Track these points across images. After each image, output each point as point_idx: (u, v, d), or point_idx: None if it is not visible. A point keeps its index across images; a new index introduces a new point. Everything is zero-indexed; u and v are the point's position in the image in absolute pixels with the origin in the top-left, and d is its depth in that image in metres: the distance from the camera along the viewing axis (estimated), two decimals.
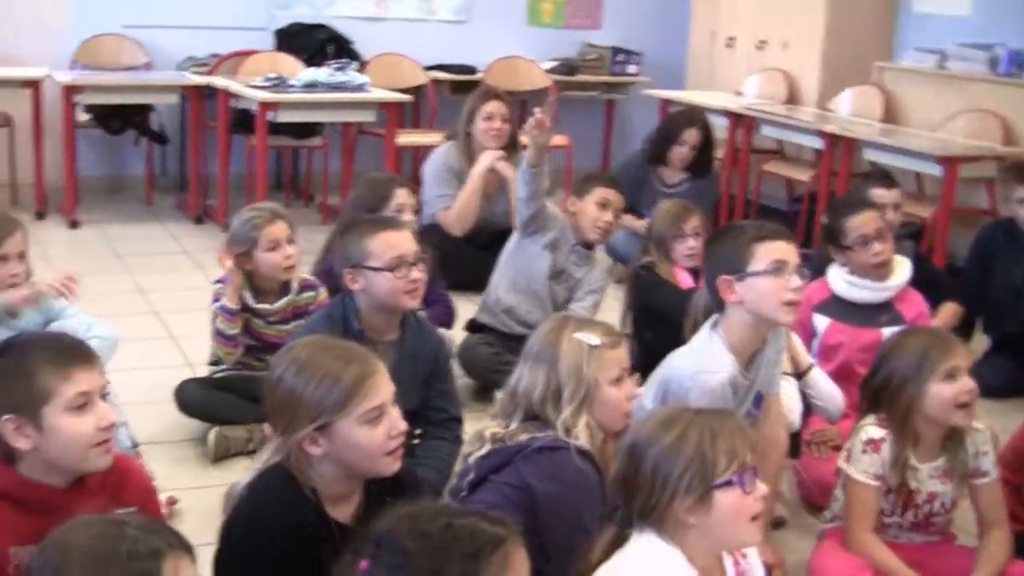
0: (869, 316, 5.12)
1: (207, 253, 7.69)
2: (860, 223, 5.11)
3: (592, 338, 3.45)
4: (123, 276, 7.55)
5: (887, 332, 4.94)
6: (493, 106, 7.38)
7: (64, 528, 2.14)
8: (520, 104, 9.63)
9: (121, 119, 9.44)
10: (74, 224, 8.80)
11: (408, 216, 5.55)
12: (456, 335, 5.89)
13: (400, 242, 4.27)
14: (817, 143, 8.61)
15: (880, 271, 5.13)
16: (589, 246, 5.87)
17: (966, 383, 3.80)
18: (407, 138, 9.46)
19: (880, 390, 3.92)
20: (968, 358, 3.89)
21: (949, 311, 6.22)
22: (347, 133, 9.43)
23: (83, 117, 9.23)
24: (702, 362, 3.95)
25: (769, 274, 3.86)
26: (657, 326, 5.21)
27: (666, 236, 5.76)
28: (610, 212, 5.77)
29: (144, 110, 9.55)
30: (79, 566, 2.03)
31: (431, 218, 7.25)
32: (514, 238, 5.93)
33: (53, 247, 8.10)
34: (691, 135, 7.95)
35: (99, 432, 2.87)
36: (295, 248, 5.05)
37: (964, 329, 6.41)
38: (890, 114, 9.05)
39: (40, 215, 8.92)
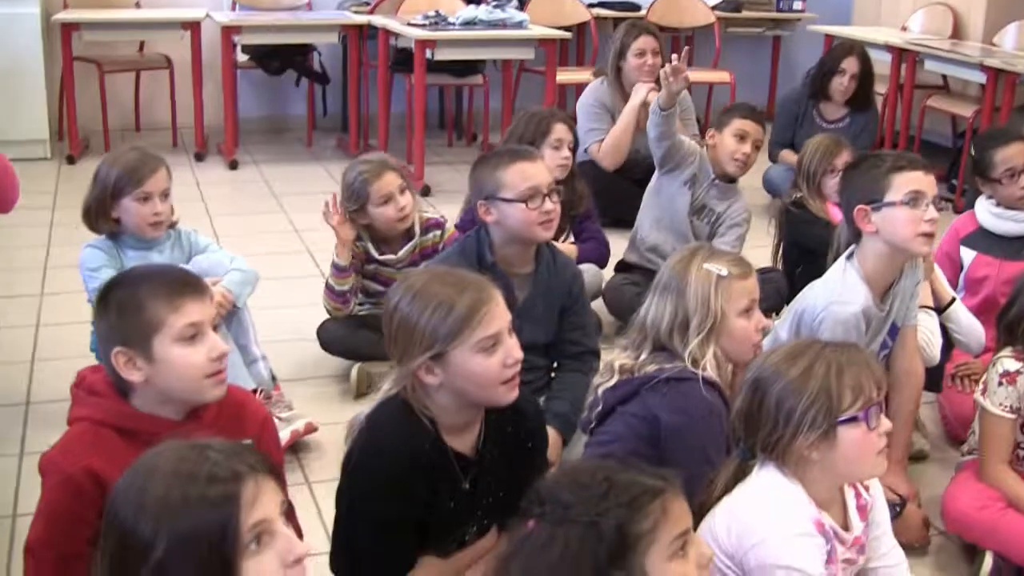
0: (1016, 249, 4.99)
1: None
2: (1008, 156, 5.00)
3: (721, 268, 3.40)
4: (279, 215, 7.67)
5: None
6: (644, 41, 7.27)
7: (151, 452, 2.15)
8: (686, 41, 9.57)
9: (281, 60, 9.55)
10: (233, 165, 8.94)
11: (565, 152, 5.55)
12: (609, 274, 5.90)
13: (534, 173, 4.19)
14: (979, 77, 8.38)
15: None
16: (731, 179, 5.76)
17: None
18: (568, 76, 9.38)
19: (1016, 322, 3.84)
20: None
21: None
22: (507, 71, 9.38)
23: (242, 58, 9.36)
24: (835, 293, 3.91)
25: (905, 204, 3.79)
26: (807, 261, 5.13)
27: (817, 171, 5.68)
28: (748, 144, 5.65)
29: (305, 50, 9.66)
30: (160, 488, 2.04)
31: (584, 153, 7.21)
32: (655, 176, 5.87)
33: (212, 188, 8.27)
34: (850, 63, 7.82)
35: (211, 363, 2.87)
36: (408, 198, 4.97)
37: None
38: None
39: (200, 156, 9.09)
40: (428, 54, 8.23)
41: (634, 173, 7.11)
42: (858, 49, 7.91)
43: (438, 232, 5.15)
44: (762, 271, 5.61)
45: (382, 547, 2.97)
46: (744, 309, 3.43)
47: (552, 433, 3.95)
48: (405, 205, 4.95)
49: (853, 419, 2.75)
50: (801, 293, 4.07)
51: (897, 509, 3.90)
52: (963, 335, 4.44)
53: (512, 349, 2.96)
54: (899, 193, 3.80)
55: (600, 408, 3.49)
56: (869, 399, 2.76)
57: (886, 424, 2.82)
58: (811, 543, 2.76)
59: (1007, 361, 3.83)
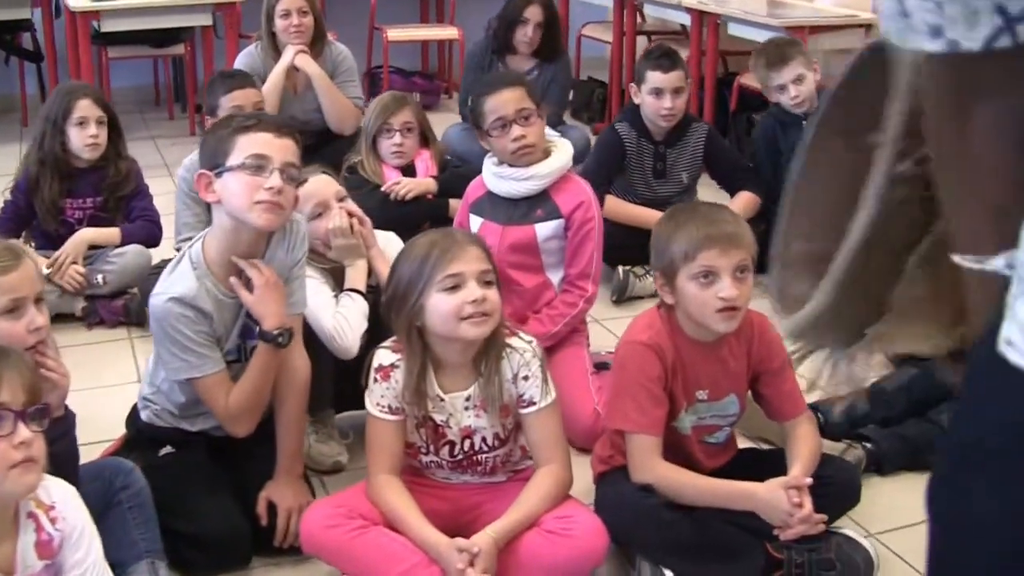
0: (522, 212, 4.43)
1: None
2: (497, 105, 4.40)
3: None
4: None
5: (543, 228, 4.31)
6: (288, 2, 6.74)
7: None
8: None
9: None
10: None
11: (92, 130, 5.25)
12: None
13: None
14: (684, 18, 7.90)
15: (525, 158, 4.40)
16: None
17: (470, 292, 3.16)
18: None
19: (389, 303, 3.32)
20: (482, 263, 3.23)
21: (742, 201, 5.59)
22: (207, 38, 8.76)
23: None
24: (164, 281, 3.47)
25: (245, 169, 3.31)
26: None
27: (373, 129, 5.21)
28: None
29: (15, 27, 9.08)
30: None
31: None
32: None
33: None
34: (533, 12, 7.22)
35: None
36: None
37: (769, 220, 5.71)
38: None
39: None
40: (95, 26, 7.76)
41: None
42: None
43: None
44: None
45: None
46: (4, 309, 3.00)
47: None
48: None
49: None
50: None
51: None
52: None
53: None
54: (241, 156, 3.32)
55: None
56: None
57: (24, 434, 2.48)
58: None
59: (382, 353, 3.35)
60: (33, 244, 5.41)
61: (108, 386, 4.50)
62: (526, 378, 3.29)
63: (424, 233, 3.40)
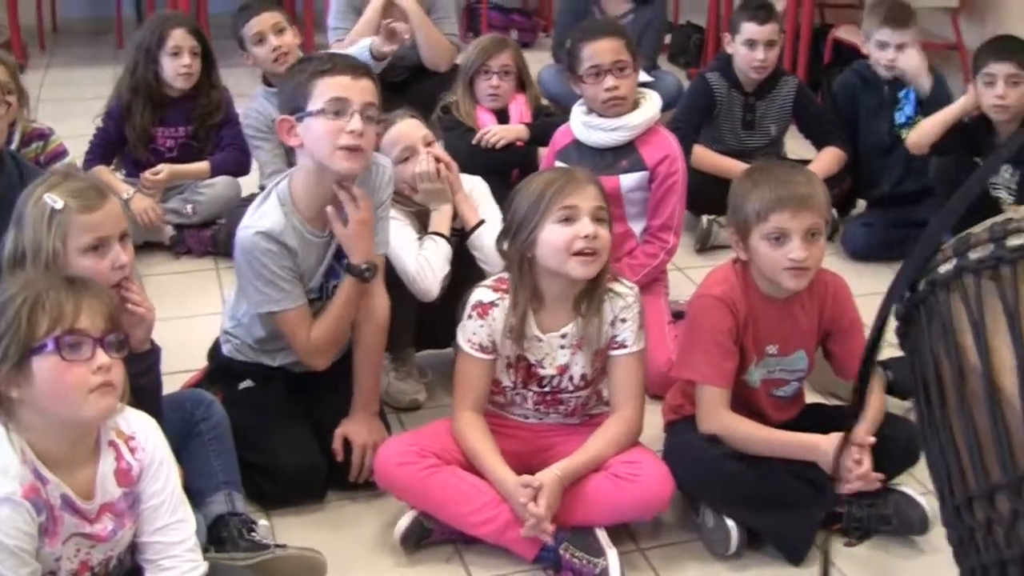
0: (607, 161, 4.47)
1: None
2: (595, 52, 4.45)
3: (56, 200, 2.97)
4: None
5: (627, 180, 4.37)
6: None
7: None
8: None
9: None
10: None
11: (185, 60, 5.28)
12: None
13: None
14: None
15: (614, 109, 4.46)
16: None
17: (583, 227, 3.26)
18: None
19: (503, 234, 3.42)
20: (597, 201, 3.33)
21: (827, 156, 5.63)
22: None
23: None
24: (251, 215, 3.54)
25: (326, 114, 3.36)
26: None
27: (470, 70, 5.26)
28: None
29: None
30: None
31: None
32: None
33: None
34: None
35: None
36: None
37: (855, 179, 5.78)
38: None
39: None
40: None
41: (391, 74, 6.48)
42: None
43: (40, 143, 4.93)
44: None
45: None
46: (88, 247, 3.01)
47: None
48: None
49: (43, 347, 2.46)
50: None
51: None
52: (487, 262, 3.91)
53: None
54: (320, 101, 3.36)
55: None
56: (70, 328, 2.48)
57: (102, 359, 2.50)
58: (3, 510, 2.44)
59: (481, 291, 3.44)
60: (123, 172, 5.49)
61: (192, 316, 4.55)
62: (624, 320, 3.40)
63: (544, 170, 3.48)
